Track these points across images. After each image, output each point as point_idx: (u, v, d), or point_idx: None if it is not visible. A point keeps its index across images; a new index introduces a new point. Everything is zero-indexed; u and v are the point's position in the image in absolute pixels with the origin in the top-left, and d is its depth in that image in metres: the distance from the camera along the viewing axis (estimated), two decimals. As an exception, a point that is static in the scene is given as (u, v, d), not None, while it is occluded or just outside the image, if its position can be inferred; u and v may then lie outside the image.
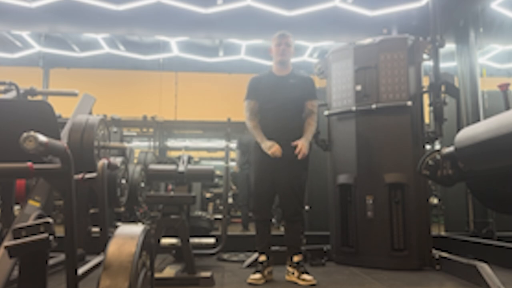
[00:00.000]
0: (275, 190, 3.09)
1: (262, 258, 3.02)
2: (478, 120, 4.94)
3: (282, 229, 6.37)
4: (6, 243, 1.24)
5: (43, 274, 1.38)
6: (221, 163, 9.78)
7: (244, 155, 6.37)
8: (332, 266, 3.57)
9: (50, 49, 8.88)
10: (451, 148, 2.59)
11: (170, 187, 5.71)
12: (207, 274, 2.87)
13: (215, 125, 8.81)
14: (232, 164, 7.94)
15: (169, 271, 2.98)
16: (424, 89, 3.53)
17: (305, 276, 2.90)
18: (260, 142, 3.06)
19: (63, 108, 3.58)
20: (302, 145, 2.98)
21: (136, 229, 1.35)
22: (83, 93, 3.15)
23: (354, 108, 3.60)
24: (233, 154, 6.92)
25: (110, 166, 1.94)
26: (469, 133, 2.33)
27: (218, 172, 7.72)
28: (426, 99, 3.53)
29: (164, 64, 9.27)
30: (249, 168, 5.83)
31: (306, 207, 4.15)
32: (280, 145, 3.02)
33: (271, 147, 2.99)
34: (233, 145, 6.83)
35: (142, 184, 3.77)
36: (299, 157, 2.97)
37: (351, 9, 6.39)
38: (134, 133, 8.48)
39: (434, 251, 3.41)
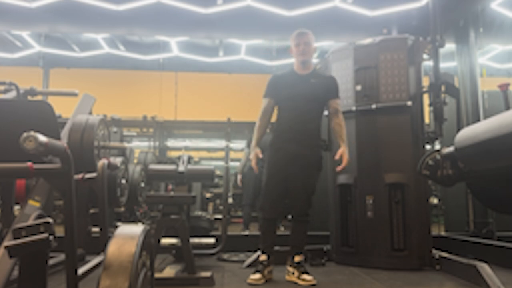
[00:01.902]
0: (287, 190, 3.06)
1: (263, 257, 3.01)
2: (478, 120, 4.95)
3: (282, 229, 6.40)
4: (6, 243, 1.24)
5: (43, 274, 1.38)
6: (221, 163, 9.77)
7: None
8: (332, 266, 3.57)
9: (50, 49, 8.89)
10: (451, 148, 2.59)
11: (170, 187, 5.69)
12: (207, 274, 2.87)
13: (215, 125, 8.79)
14: (233, 164, 7.90)
15: (169, 271, 2.98)
16: (424, 89, 3.53)
17: (305, 276, 2.90)
18: (252, 144, 3.12)
19: (63, 108, 3.58)
20: (344, 153, 2.99)
21: (136, 229, 1.35)
22: (83, 93, 3.15)
23: (354, 108, 3.60)
24: (233, 155, 6.81)
25: (110, 166, 1.94)
26: (469, 133, 2.34)
27: (218, 172, 7.68)
28: (426, 99, 3.53)
29: (164, 64, 9.28)
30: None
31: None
32: (297, 145, 3.02)
33: (252, 158, 3.09)
34: (233, 145, 6.76)
35: (142, 184, 3.77)
36: (342, 166, 2.98)
37: (351, 9, 6.39)
38: (134, 133, 8.47)
39: (434, 251, 3.41)
